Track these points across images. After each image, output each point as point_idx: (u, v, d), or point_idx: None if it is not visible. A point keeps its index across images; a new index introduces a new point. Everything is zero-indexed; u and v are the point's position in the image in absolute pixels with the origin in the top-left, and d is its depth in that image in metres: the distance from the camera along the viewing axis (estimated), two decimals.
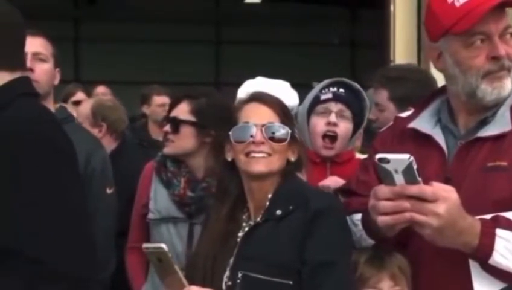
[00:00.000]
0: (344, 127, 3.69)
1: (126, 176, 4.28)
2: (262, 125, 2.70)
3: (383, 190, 2.42)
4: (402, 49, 9.65)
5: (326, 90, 3.72)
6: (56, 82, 3.71)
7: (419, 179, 2.35)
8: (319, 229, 2.57)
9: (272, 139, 2.71)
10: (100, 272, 3.01)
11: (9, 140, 2.44)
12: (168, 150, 3.68)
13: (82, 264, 2.45)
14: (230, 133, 2.75)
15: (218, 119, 3.60)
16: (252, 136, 2.69)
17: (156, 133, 7.14)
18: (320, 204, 2.62)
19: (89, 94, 7.05)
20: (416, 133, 2.76)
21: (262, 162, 2.68)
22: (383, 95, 3.84)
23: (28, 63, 3.32)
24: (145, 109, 7.42)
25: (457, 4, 2.57)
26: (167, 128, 3.67)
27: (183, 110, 3.65)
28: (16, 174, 2.40)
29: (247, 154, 2.70)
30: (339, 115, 3.68)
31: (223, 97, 3.81)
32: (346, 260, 2.59)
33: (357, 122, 3.75)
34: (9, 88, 2.60)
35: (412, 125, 2.79)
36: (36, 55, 3.56)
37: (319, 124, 3.67)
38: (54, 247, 2.40)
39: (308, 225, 2.58)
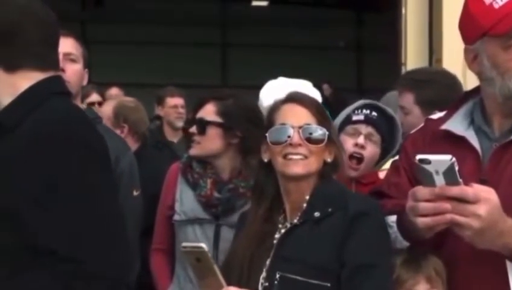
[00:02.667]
0: (371, 151, 3.67)
1: (148, 178, 4.28)
2: (300, 127, 2.70)
3: (422, 191, 2.41)
4: (413, 52, 9.65)
5: (359, 111, 3.71)
6: (85, 83, 3.71)
7: (460, 180, 2.35)
8: (359, 232, 2.57)
9: (309, 140, 2.70)
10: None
11: (44, 141, 2.43)
12: (194, 151, 3.67)
13: (117, 265, 2.45)
14: (267, 134, 2.74)
15: (245, 121, 3.61)
16: (289, 136, 2.69)
17: (170, 135, 7.14)
18: (360, 206, 2.61)
19: (102, 96, 7.05)
20: (449, 135, 2.75)
21: (300, 163, 2.68)
22: (408, 98, 3.82)
23: (60, 64, 3.32)
24: (159, 111, 7.41)
25: (496, 6, 2.57)
26: (193, 129, 3.66)
27: (209, 111, 3.64)
28: (51, 174, 2.40)
29: (285, 156, 2.69)
30: (368, 138, 3.66)
31: (249, 98, 3.80)
32: (387, 262, 2.59)
33: (385, 147, 3.73)
34: (42, 87, 2.59)
35: (445, 127, 2.78)
36: (67, 56, 3.56)
37: (347, 144, 3.64)
38: (90, 247, 2.39)
39: (347, 227, 2.58)
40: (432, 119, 2.95)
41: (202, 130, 3.62)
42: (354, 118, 3.69)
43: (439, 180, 2.35)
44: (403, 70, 9.84)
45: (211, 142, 3.62)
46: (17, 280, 2.42)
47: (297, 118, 2.71)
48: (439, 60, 9.26)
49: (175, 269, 3.71)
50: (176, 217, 3.67)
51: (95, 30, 18.55)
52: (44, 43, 2.65)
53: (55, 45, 2.72)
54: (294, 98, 2.78)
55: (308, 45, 18.76)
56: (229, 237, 3.50)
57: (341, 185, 2.80)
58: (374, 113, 3.70)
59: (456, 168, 2.33)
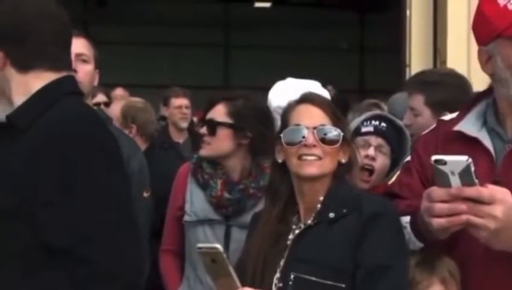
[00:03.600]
0: (382, 162, 3.65)
1: (155, 178, 4.28)
2: (314, 128, 2.70)
3: (437, 191, 2.41)
4: (418, 53, 9.65)
5: (368, 122, 3.69)
6: (95, 83, 3.70)
7: (476, 181, 2.35)
8: (375, 232, 2.57)
9: (324, 141, 2.70)
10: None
11: (57, 141, 2.43)
12: (204, 152, 3.67)
13: (131, 266, 2.44)
14: (282, 135, 2.73)
15: (255, 121, 3.62)
16: (303, 137, 2.69)
17: (175, 136, 7.14)
18: (375, 207, 2.62)
19: (108, 96, 7.05)
20: (462, 136, 2.74)
21: (315, 164, 2.68)
22: (418, 100, 3.82)
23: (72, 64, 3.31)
24: (165, 111, 7.41)
25: (510, 7, 2.56)
26: (203, 130, 3.66)
27: (220, 112, 3.64)
28: (65, 174, 2.40)
29: (299, 157, 2.69)
30: (378, 149, 3.64)
31: (259, 99, 3.80)
32: (403, 263, 2.59)
33: (395, 158, 3.71)
34: (55, 87, 2.59)
35: (457, 128, 2.78)
36: (79, 56, 3.55)
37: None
38: (105, 247, 2.39)
39: (362, 228, 2.58)
40: (443, 121, 2.95)
41: (212, 131, 3.62)
42: (363, 129, 3.67)
43: (455, 181, 2.35)
44: (407, 72, 9.84)
45: (221, 142, 3.62)
46: (31, 280, 2.43)
47: (311, 118, 2.71)
48: (444, 62, 9.26)
49: (185, 270, 3.71)
50: (186, 217, 3.67)
51: (98, 31, 18.54)
52: (58, 43, 2.65)
53: (68, 45, 2.72)
54: (308, 98, 2.78)
55: (310, 46, 18.77)
56: (239, 237, 3.51)
57: (355, 186, 2.80)
58: (383, 124, 3.69)
59: (472, 169, 2.33)
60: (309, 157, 2.68)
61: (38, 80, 2.58)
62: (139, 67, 18.32)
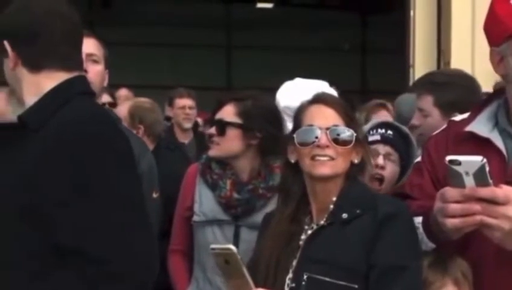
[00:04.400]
0: (391, 170, 3.62)
1: (162, 179, 4.27)
2: (327, 128, 2.69)
3: (451, 192, 2.41)
4: (422, 54, 9.64)
5: (374, 131, 3.66)
6: (105, 84, 3.70)
7: (491, 181, 2.34)
8: (389, 233, 2.57)
9: (337, 141, 2.70)
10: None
11: (69, 141, 2.43)
12: (213, 152, 3.66)
13: (145, 266, 2.44)
14: (295, 135, 2.73)
15: (264, 121, 3.61)
16: (316, 137, 2.68)
17: (180, 136, 7.14)
18: (389, 208, 2.61)
19: (113, 97, 7.04)
20: (474, 137, 2.74)
21: (327, 164, 2.67)
22: (428, 101, 3.81)
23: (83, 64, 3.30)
24: (169, 112, 7.41)
25: None
26: (212, 130, 3.66)
27: (229, 112, 3.63)
28: (77, 174, 2.39)
29: (312, 158, 2.68)
30: (387, 157, 3.60)
31: (268, 99, 3.80)
32: (417, 264, 2.59)
33: (403, 166, 3.68)
34: (66, 87, 2.59)
35: (469, 128, 2.77)
36: (89, 57, 3.54)
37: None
38: (118, 247, 2.39)
39: (377, 229, 2.58)
40: (454, 121, 2.94)
41: (221, 131, 3.62)
42: (370, 138, 3.62)
43: (469, 181, 2.35)
44: (411, 73, 9.83)
45: (231, 143, 3.61)
46: (43, 280, 2.43)
47: (324, 119, 2.71)
48: (448, 63, 9.25)
49: (193, 271, 3.69)
50: (195, 218, 3.66)
51: (102, 31, 18.55)
52: (69, 43, 2.65)
53: (79, 45, 2.72)
54: (321, 99, 2.78)
55: (312, 47, 18.76)
56: (248, 238, 3.51)
57: (367, 187, 2.80)
58: (390, 132, 3.66)
59: (487, 169, 2.32)
60: (322, 158, 2.67)
61: (49, 80, 2.58)
62: (142, 68, 18.31)
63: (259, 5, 19.22)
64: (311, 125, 2.71)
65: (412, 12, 9.63)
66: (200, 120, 7.95)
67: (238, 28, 19.58)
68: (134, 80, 16.55)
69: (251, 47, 19.22)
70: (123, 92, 7.62)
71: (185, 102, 7.42)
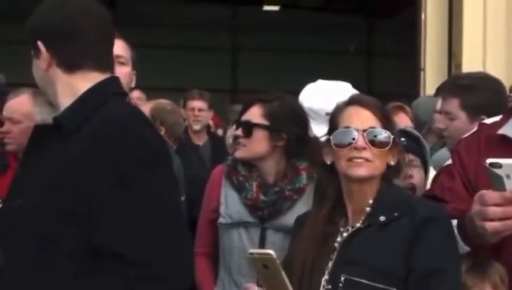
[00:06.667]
0: (418, 177, 3.61)
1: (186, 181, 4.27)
2: (364, 130, 2.68)
3: (491, 195, 2.40)
4: (433, 57, 9.64)
5: None
6: (133, 85, 3.68)
7: None
8: (428, 237, 2.55)
9: (373, 143, 2.68)
10: None
11: (107, 142, 2.41)
12: (239, 153, 3.63)
13: (182, 269, 2.42)
14: (331, 137, 2.72)
15: (291, 123, 3.59)
16: (353, 139, 2.68)
17: (194, 138, 7.13)
18: (428, 211, 2.60)
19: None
20: (506, 140, 2.74)
21: (364, 166, 2.67)
22: (454, 104, 3.79)
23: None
24: (183, 114, 7.39)
25: None
26: (238, 132, 3.64)
27: (255, 114, 3.60)
28: (116, 176, 2.37)
29: (349, 159, 2.67)
30: (411, 164, 3.56)
31: (295, 100, 3.78)
32: (457, 268, 2.58)
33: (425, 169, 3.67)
34: (103, 88, 2.57)
35: (501, 131, 2.77)
36: (117, 58, 3.51)
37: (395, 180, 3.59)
38: (157, 250, 2.36)
39: (415, 232, 2.56)
40: (486, 124, 2.94)
41: (248, 133, 3.59)
42: None
43: (510, 184, 2.34)
44: (422, 76, 9.84)
45: (257, 144, 3.58)
46: (81, 282, 2.40)
47: (361, 121, 2.70)
48: (459, 66, 9.25)
49: (219, 274, 3.66)
50: (221, 220, 3.63)
51: None
52: (103, 43, 2.63)
53: (112, 45, 2.71)
54: (358, 100, 2.77)
55: (318, 50, 18.76)
56: (274, 240, 3.49)
57: (403, 189, 2.79)
58: (403, 139, 3.62)
59: None
60: (359, 160, 2.67)
61: (84, 81, 2.56)
62: (147, 70, 18.28)
63: (266, 7, 19.21)
64: (348, 127, 2.70)
65: (423, 16, 9.64)
66: (211, 122, 7.94)
67: (244, 31, 19.58)
68: (139, 82, 16.50)
69: (257, 50, 19.22)
70: (136, 94, 7.61)
71: (195, 104, 7.42)
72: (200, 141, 7.14)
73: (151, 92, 11.49)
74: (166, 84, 16.14)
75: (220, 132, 8.17)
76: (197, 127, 7.29)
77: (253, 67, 18.94)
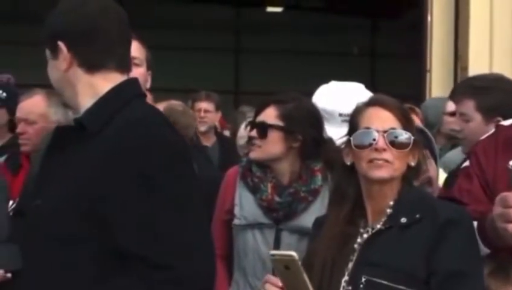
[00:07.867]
0: (433, 170, 3.62)
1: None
2: (384, 131, 2.68)
3: None
4: (439, 58, 9.64)
5: None
6: (148, 86, 3.67)
7: None
8: (450, 239, 2.55)
9: (394, 144, 2.68)
10: None
11: (130, 143, 2.40)
12: (254, 154, 3.62)
13: (205, 272, 2.41)
14: (351, 138, 2.72)
15: (306, 124, 3.58)
16: (374, 140, 2.67)
17: (202, 140, 7.11)
18: (450, 214, 2.60)
19: None
20: None
21: (385, 167, 2.66)
22: (469, 105, 3.79)
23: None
24: None
25: None
26: (253, 133, 3.63)
27: (270, 115, 3.60)
28: (141, 178, 2.37)
29: (370, 161, 2.67)
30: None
31: (310, 101, 3.77)
32: (479, 271, 2.57)
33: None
34: (124, 89, 2.57)
35: None
36: (132, 59, 3.50)
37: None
38: (179, 253, 2.36)
39: (437, 235, 2.56)
40: (504, 126, 2.94)
41: (263, 134, 3.58)
42: None
43: None
44: (428, 78, 9.83)
45: (272, 145, 3.57)
46: (104, 284, 2.40)
47: (381, 122, 2.70)
48: (465, 68, 9.25)
49: (234, 275, 3.65)
50: (236, 221, 3.62)
51: None
52: (123, 43, 2.63)
53: (130, 46, 2.70)
54: (378, 101, 2.76)
55: (322, 51, 18.75)
56: (289, 242, 3.49)
57: (424, 191, 2.79)
58: None
59: None
60: (379, 161, 2.66)
61: (105, 81, 2.55)
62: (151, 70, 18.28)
63: (269, 9, 19.20)
64: (368, 128, 2.70)
65: (429, 17, 9.63)
66: (217, 123, 7.94)
67: (248, 32, 19.57)
68: None
69: (260, 51, 19.20)
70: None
71: (201, 105, 7.43)
72: (208, 142, 7.14)
73: (153, 93, 11.50)
74: (169, 85, 16.11)
75: (226, 133, 8.18)
76: (202, 128, 7.29)
77: (256, 69, 18.92)
